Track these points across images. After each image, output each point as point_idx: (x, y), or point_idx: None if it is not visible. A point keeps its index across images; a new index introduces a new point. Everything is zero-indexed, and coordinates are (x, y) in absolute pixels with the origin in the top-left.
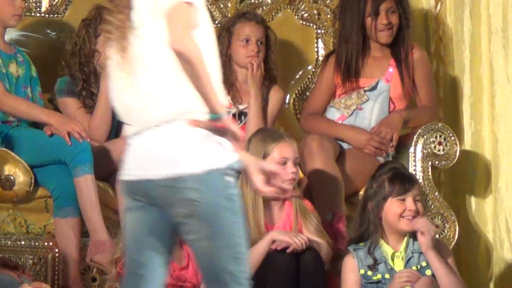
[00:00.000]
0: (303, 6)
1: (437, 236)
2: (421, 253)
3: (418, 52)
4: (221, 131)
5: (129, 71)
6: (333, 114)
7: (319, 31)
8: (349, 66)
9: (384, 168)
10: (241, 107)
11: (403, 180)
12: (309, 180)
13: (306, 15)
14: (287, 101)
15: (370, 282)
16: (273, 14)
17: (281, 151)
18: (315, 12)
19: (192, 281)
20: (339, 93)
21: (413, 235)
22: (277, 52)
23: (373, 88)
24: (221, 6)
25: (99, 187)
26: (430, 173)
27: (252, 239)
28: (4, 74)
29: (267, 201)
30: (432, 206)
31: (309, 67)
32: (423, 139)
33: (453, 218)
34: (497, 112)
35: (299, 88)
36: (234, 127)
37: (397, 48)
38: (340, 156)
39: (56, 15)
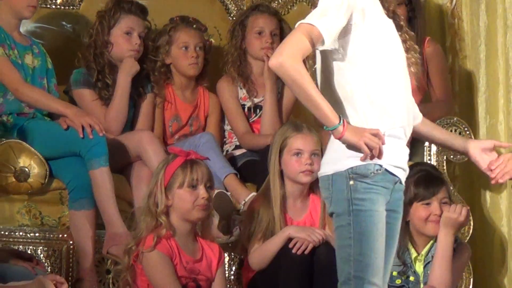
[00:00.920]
0: None
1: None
2: None
3: (432, 46)
4: None
5: None
6: None
7: None
8: None
9: (412, 171)
10: (256, 100)
11: (428, 184)
12: None
13: None
14: None
15: (393, 286)
16: (289, 7)
17: (296, 142)
18: None
19: (206, 274)
20: None
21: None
22: None
23: None
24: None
25: (114, 179)
26: (445, 167)
27: (271, 231)
28: (20, 65)
29: (292, 196)
30: None
31: None
32: None
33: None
34: None
35: (315, 81)
36: None
37: None
38: None
39: (71, 7)
